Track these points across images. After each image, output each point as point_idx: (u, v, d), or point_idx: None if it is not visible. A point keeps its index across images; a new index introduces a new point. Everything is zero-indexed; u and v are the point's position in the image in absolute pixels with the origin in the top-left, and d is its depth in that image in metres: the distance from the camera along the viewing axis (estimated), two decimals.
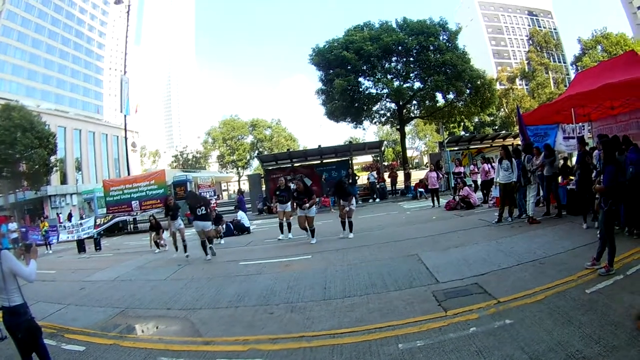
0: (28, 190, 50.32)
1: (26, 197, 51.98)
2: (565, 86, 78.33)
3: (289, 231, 17.68)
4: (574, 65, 78.80)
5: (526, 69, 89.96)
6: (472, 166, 26.87)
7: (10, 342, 5.63)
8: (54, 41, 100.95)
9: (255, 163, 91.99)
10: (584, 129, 16.74)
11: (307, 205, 15.89)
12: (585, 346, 5.01)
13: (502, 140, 36.50)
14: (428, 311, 7.08)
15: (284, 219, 17.75)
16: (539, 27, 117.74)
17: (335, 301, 8.47)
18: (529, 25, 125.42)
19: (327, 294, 9.03)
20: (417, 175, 40.32)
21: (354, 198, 16.72)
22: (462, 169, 25.33)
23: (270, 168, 37.78)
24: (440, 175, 27.06)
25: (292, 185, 31.37)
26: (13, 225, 25.51)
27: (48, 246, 28.23)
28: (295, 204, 16.76)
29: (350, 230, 16.21)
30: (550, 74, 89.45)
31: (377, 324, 6.87)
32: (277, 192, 17.67)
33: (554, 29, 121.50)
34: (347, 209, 16.13)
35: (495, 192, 18.04)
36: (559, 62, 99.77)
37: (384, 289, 8.74)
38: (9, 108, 45.49)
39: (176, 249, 18.00)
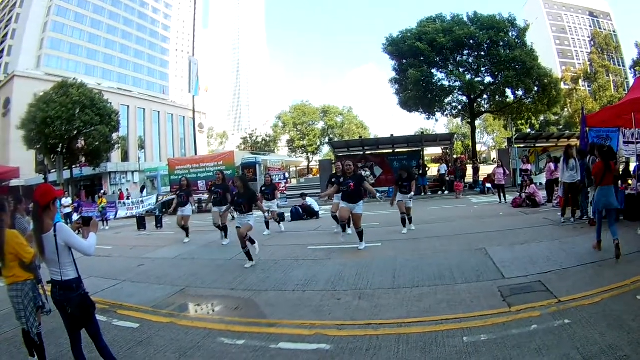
0: (86, 166, 50.55)
1: (83, 173, 52.21)
2: (624, 90, 77.60)
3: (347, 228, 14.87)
4: (632, 70, 76.93)
5: (589, 70, 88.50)
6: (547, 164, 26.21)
7: (54, 316, 5.72)
8: (116, 22, 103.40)
9: (326, 149, 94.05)
10: None
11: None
12: (632, 351, 5.01)
13: (567, 140, 35.56)
14: (493, 306, 7.07)
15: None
16: (600, 28, 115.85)
17: (404, 290, 8.45)
18: (590, 26, 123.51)
19: (396, 283, 9.02)
20: (484, 170, 39.84)
21: (412, 193, 15.49)
22: (529, 167, 24.82)
23: (342, 154, 37.57)
24: (507, 172, 26.81)
25: (365, 172, 31.06)
26: (67, 201, 25.95)
27: (105, 222, 28.65)
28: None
29: (410, 223, 15.66)
30: (611, 76, 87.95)
31: (444, 315, 6.87)
32: (334, 180, 14.89)
33: (614, 32, 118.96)
34: (406, 205, 15.27)
35: (560, 191, 17.82)
36: (619, 65, 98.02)
37: (452, 281, 8.74)
38: (67, 85, 46.48)
39: (267, 226, 17.97)
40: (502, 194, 23.93)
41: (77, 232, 5.53)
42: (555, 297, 7.12)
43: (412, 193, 15.46)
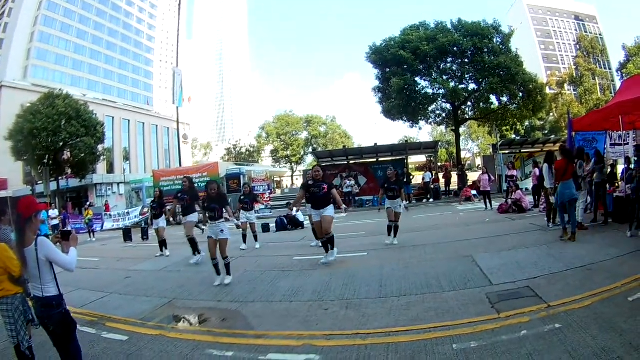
0: (72, 177, 50.49)
1: (69, 184, 52.08)
2: (611, 93, 78.37)
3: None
4: (619, 72, 77.76)
5: (574, 74, 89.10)
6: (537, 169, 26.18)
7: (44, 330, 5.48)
8: (101, 32, 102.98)
9: (309, 159, 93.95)
10: (628, 137, 16.56)
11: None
12: (626, 353, 5.02)
13: (552, 145, 36.14)
14: (482, 313, 7.07)
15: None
16: (585, 32, 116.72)
17: (391, 299, 8.43)
18: (576, 30, 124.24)
19: (383, 292, 9.00)
20: (469, 177, 40.18)
21: (400, 200, 14.67)
22: (515, 172, 24.88)
23: (325, 164, 37.89)
24: (493, 178, 27.05)
25: (349, 182, 31.01)
26: (54, 212, 25.88)
27: (92, 234, 28.42)
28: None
29: (395, 236, 14.70)
30: (597, 80, 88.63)
31: (433, 323, 6.86)
32: (310, 185, 12.67)
33: (599, 35, 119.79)
34: (394, 211, 14.50)
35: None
36: (605, 68, 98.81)
37: (440, 289, 8.74)
38: (53, 96, 46.72)
39: (244, 239, 17.14)
40: (487, 200, 24.03)
41: (57, 245, 5.39)
42: (545, 302, 7.14)
43: (403, 202, 14.83)
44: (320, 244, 13.23)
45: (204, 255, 13.96)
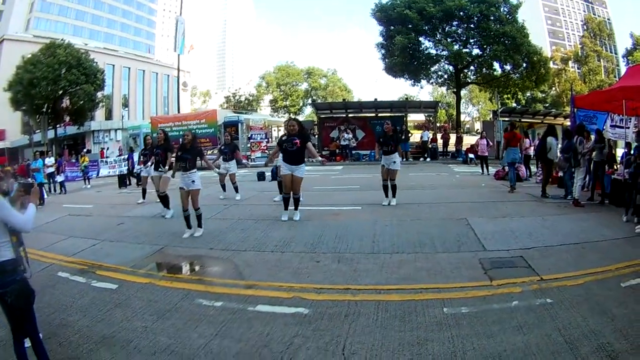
0: (70, 125, 50.79)
1: (67, 132, 52.50)
2: (615, 76, 78.26)
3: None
4: (625, 59, 77.27)
5: (579, 53, 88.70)
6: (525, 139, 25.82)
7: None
8: None
9: (308, 110, 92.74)
10: (630, 122, 16.49)
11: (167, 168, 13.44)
12: (615, 340, 4.95)
13: (553, 118, 36.42)
14: (474, 278, 7.09)
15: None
16: (594, 14, 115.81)
17: (383, 256, 8.45)
18: (584, 11, 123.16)
19: (375, 248, 9.01)
20: (467, 140, 39.86)
21: (397, 155, 13.93)
22: None
23: (324, 116, 38.20)
24: (491, 144, 27.11)
25: (347, 135, 30.77)
26: (49, 160, 25.66)
27: (87, 181, 28.51)
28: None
29: (394, 196, 13.95)
30: (602, 62, 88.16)
31: (424, 284, 6.87)
32: (284, 140, 12.18)
33: (608, 19, 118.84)
34: (387, 168, 13.68)
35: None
36: (611, 52, 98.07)
37: (433, 250, 8.75)
38: (54, 46, 46.78)
39: (223, 188, 16.90)
40: (484, 165, 24.00)
41: (18, 203, 4.95)
42: (537, 275, 7.13)
43: (398, 157, 13.93)
44: (283, 201, 12.57)
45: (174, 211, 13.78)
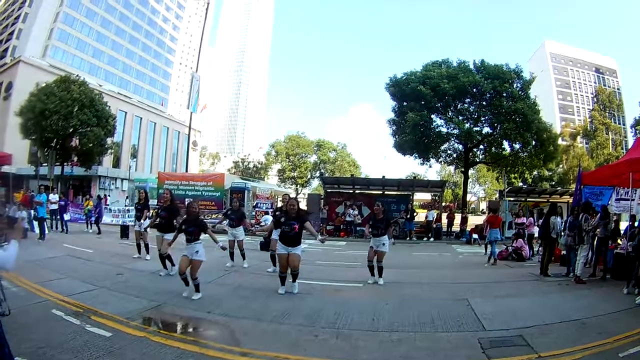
0: (77, 165, 50.85)
1: (74, 172, 52.30)
2: (622, 149, 78.43)
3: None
4: (633, 129, 77.62)
5: (588, 127, 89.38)
6: (528, 218, 25.40)
7: None
8: (125, 25, 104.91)
9: (315, 183, 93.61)
10: (635, 194, 16.50)
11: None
12: None
13: (559, 196, 36.42)
14: (472, 357, 7.05)
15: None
16: (604, 85, 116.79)
17: (383, 333, 8.36)
18: (595, 83, 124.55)
19: (375, 325, 8.90)
20: (472, 220, 39.94)
21: (387, 238, 13.57)
22: (524, 220, 24.17)
23: (331, 190, 38.09)
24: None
25: (353, 211, 30.75)
26: (54, 197, 25.78)
27: (89, 225, 28.49)
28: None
29: (380, 276, 13.57)
30: (610, 134, 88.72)
31: None
32: (282, 222, 11.86)
33: (618, 89, 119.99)
34: (375, 249, 13.42)
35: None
36: (619, 123, 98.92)
37: (433, 329, 8.71)
38: (69, 80, 46.81)
39: (231, 257, 16.07)
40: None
41: (1, 238, 4.85)
42: (536, 352, 7.09)
43: (390, 239, 13.75)
44: (277, 271, 12.64)
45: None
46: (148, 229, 16.05)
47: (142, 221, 16.58)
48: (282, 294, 11.47)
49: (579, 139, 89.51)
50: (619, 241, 15.77)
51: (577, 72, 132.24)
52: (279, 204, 15.18)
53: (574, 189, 24.42)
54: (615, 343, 7.39)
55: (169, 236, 13.24)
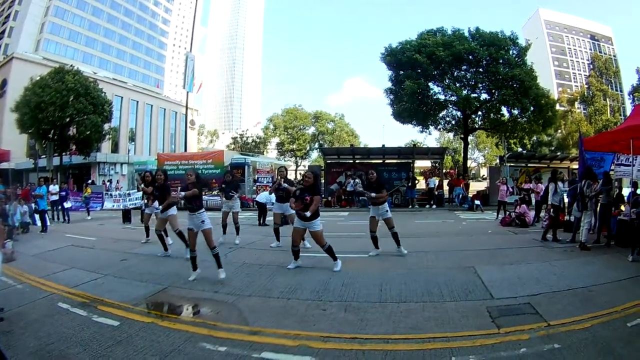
0: (76, 154, 50.98)
1: (73, 161, 52.67)
2: (621, 115, 78.18)
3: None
4: (630, 96, 77.62)
5: (586, 93, 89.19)
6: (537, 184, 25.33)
7: None
8: (116, 12, 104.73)
9: (314, 154, 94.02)
10: (636, 160, 16.43)
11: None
12: None
13: (559, 161, 36.54)
14: (482, 326, 7.00)
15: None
16: (600, 52, 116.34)
17: (391, 305, 8.32)
18: (591, 50, 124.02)
19: (382, 297, 8.87)
20: (474, 187, 40.40)
21: (386, 204, 13.24)
22: (531, 185, 24.38)
23: (331, 161, 38.18)
24: (510, 189, 27.15)
25: (355, 181, 30.72)
26: (54, 188, 25.73)
27: (88, 212, 28.77)
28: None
29: (399, 244, 13.15)
30: (608, 101, 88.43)
31: (432, 333, 6.76)
32: (297, 194, 11.44)
33: (614, 56, 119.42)
34: (379, 219, 13.08)
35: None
36: (617, 90, 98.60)
37: (440, 298, 8.65)
38: (63, 71, 46.60)
39: (224, 230, 16.03)
40: (503, 210, 23.89)
41: None
42: (545, 321, 7.07)
43: (387, 205, 13.22)
44: (279, 244, 13.37)
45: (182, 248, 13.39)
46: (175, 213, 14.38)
47: (155, 204, 15.40)
48: (291, 269, 11.42)
49: (576, 104, 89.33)
50: (622, 207, 15.74)
51: (572, 39, 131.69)
52: (278, 177, 14.77)
53: (574, 155, 24.36)
54: (622, 312, 7.38)
55: (173, 211, 13.61)
